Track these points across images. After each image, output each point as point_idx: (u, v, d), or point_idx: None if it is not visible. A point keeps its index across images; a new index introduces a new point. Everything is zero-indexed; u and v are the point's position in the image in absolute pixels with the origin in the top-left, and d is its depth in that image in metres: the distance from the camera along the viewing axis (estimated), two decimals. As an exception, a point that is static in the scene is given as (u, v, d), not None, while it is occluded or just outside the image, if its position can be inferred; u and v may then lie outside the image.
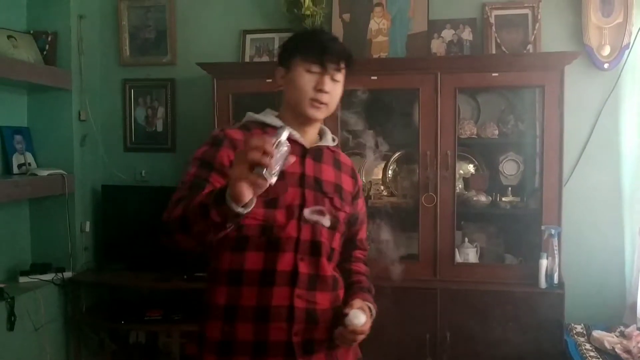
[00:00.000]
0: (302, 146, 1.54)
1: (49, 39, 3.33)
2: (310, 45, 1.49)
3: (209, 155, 1.47)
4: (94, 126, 3.55)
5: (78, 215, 3.45)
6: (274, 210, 1.44)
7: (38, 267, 3.27)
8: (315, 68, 1.47)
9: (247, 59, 3.39)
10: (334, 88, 1.50)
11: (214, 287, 1.49)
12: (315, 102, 1.48)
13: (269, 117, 1.56)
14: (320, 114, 1.51)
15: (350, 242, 1.67)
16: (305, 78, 1.48)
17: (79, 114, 3.44)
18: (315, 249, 1.48)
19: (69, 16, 3.37)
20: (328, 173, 1.56)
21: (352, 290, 1.58)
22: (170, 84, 3.57)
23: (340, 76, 1.52)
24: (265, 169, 1.07)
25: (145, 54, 3.62)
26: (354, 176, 1.67)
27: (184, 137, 3.57)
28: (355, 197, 1.65)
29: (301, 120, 1.53)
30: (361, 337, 1.45)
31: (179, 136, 3.59)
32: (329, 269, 1.53)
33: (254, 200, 1.15)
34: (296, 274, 1.45)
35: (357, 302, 1.48)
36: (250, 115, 1.61)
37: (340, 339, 1.45)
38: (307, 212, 1.47)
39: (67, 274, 3.30)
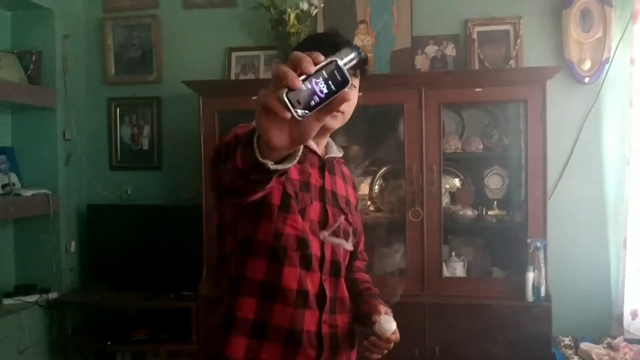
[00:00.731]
0: (320, 157, 1.46)
1: (34, 58, 3.32)
2: (323, 46, 1.33)
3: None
4: (79, 145, 3.54)
5: (63, 235, 3.42)
6: (304, 222, 1.35)
7: (22, 289, 3.23)
8: None
9: (232, 77, 3.40)
10: (351, 95, 1.34)
11: (239, 298, 1.34)
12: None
13: None
14: (337, 122, 1.44)
15: (351, 254, 1.61)
16: None
17: (64, 133, 3.42)
18: (335, 269, 1.42)
19: (54, 36, 3.36)
20: (340, 186, 1.51)
21: (363, 297, 1.52)
22: (156, 102, 3.57)
23: (356, 81, 1.45)
24: (287, 91, 0.72)
25: (130, 72, 3.62)
26: (355, 187, 1.63)
27: (170, 155, 3.57)
28: (356, 208, 1.61)
29: None
30: (392, 345, 1.39)
31: (165, 154, 3.59)
32: (345, 289, 1.48)
33: (292, 159, 0.85)
34: (324, 297, 1.38)
35: (382, 307, 1.42)
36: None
37: (372, 349, 1.38)
38: (325, 234, 1.39)
39: (52, 295, 3.26)
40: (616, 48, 3.01)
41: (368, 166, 3.27)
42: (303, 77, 0.73)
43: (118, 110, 3.64)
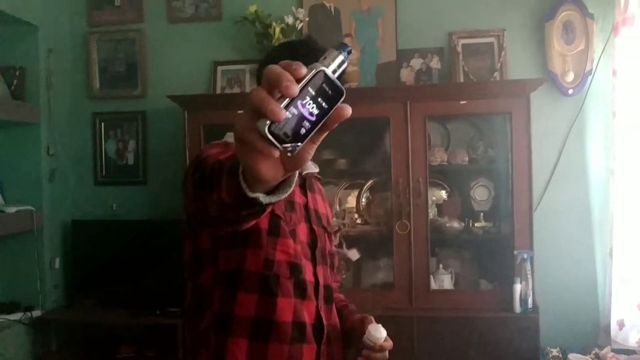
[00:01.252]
0: (299, 174, 1.35)
1: (17, 73, 3.29)
2: (302, 55, 1.20)
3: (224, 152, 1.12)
4: (63, 161, 3.50)
5: (47, 252, 3.37)
6: (295, 245, 1.24)
7: (5, 307, 3.18)
8: None
9: (218, 91, 3.40)
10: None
11: (228, 339, 1.21)
12: None
13: None
14: None
15: None
16: None
17: (48, 149, 3.39)
18: (328, 294, 1.32)
19: (38, 51, 3.34)
20: (320, 204, 1.41)
21: (343, 316, 1.42)
22: (141, 117, 3.55)
23: None
24: (268, 122, 0.59)
25: (115, 87, 3.60)
26: (330, 204, 1.54)
27: (156, 170, 3.54)
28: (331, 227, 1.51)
29: None
30: (387, 354, 1.31)
31: (150, 169, 3.56)
32: (337, 316, 1.37)
33: (288, 188, 0.72)
34: (321, 327, 1.27)
35: (367, 318, 1.35)
36: (231, 136, 1.33)
37: None
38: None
39: (36, 313, 3.21)
40: (598, 60, 3.04)
41: (355, 179, 3.27)
42: (286, 101, 0.60)
43: (103, 125, 3.62)
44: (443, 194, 3.19)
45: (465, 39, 3.21)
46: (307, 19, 3.26)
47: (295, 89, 0.59)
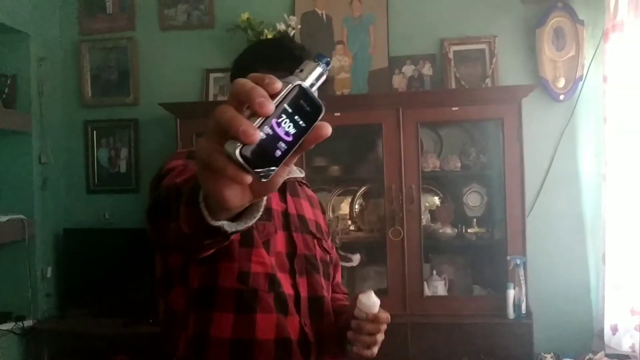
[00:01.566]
0: None
1: (8, 82, 3.28)
2: (277, 56, 1.17)
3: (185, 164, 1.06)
4: (55, 169, 3.49)
5: (39, 261, 3.35)
6: (270, 257, 1.14)
7: (-4, 317, 3.16)
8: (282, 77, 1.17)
9: (211, 98, 3.39)
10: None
11: None
12: None
13: None
14: None
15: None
16: None
17: (40, 157, 3.37)
18: (317, 307, 1.20)
19: (29, 59, 3.33)
20: (308, 210, 1.31)
21: (339, 313, 1.28)
22: (133, 125, 3.54)
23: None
24: (240, 145, 0.52)
25: (107, 94, 3.59)
26: (323, 211, 1.42)
27: (148, 178, 3.48)
28: (328, 234, 1.39)
29: None
30: (383, 327, 1.15)
31: (142, 177, 3.55)
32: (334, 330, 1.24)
33: (256, 213, 0.66)
34: (307, 344, 1.15)
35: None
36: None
37: (359, 338, 1.13)
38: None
39: (28, 323, 3.19)
40: (589, 66, 3.06)
41: (348, 186, 3.27)
42: (259, 120, 0.53)
43: (95, 133, 3.60)
44: (436, 200, 3.19)
45: (456, 46, 3.22)
46: (299, 26, 3.27)
47: (270, 105, 0.53)
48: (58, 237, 3.50)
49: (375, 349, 1.15)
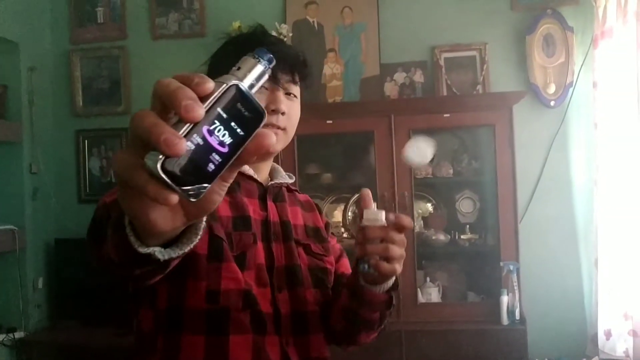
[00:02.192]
0: (259, 184, 1.13)
1: (-1, 91, 3.27)
2: (247, 52, 1.09)
3: None
4: (46, 179, 3.47)
5: (30, 272, 3.32)
6: (245, 272, 1.01)
7: (-13, 329, 3.13)
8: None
9: (202, 107, 3.38)
10: (291, 106, 1.11)
11: None
12: (269, 127, 1.06)
13: None
14: (279, 143, 1.10)
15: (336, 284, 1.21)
16: None
17: (30, 167, 3.35)
18: (301, 325, 1.08)
19: (19, 68, 3.32)
20: (295, 215, 1.18)
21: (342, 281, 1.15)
22: (125, 134, 3.53)
23: (296, 89, 1.14)
24: (162, 157, 0.44)
25: (99, 104, 3.58)
26: (319, 211, 1.30)
27: (140, 187, 3.51)
28: (327, 232, 1.27)
29: None
30: (400, 236, 0.97)
31: (135, 186, 3.53)
32: (326, 349, 1.12)
33: (194, 236, 0.58)
34: None
35: None
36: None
37: (368, 250, 0.97)
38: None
39: (19, 334, 3.16)
40: (579, 72, 3.08)
41: (340, 193, 3.27)
42: (186, 127, 0.45)
43: (86, 142, 3.59)
44: (429, 206, 3.20)
45: (447, 53, 3.23)
46: (290, 34, 3.27)
47: (200, 110, 0.44)
48: (49, 247, 3.47)
49: (398, 266, 0.96)
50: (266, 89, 1.08)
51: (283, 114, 1.08)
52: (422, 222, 3.13)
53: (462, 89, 3.18)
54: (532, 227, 3.06)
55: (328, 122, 2.90)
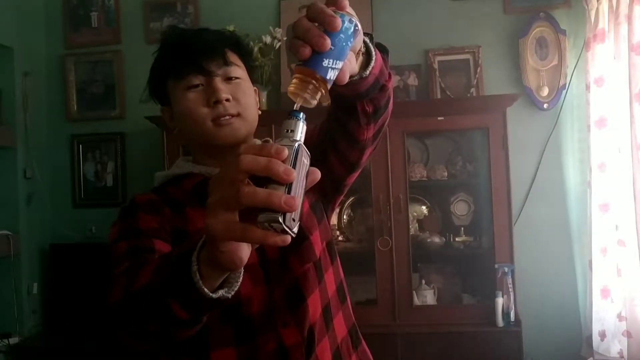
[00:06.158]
0: None
1: (-7, 96, 3.27)
2: (172, 57, 1.09)
3: (129, 227, 1.02)
4: (40, 184, 3.46)
5: (25, 277, 3.31)
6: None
7: (-18, 334, 3.12)
8: (194, 79, 1.06)
9: (197, 111, 3.38)
10: (236, 89, 1.07)
11: None
12: (220, 120, 1.05)
13: (183, 166, 1.15)
14: (235, 131, 1.06)
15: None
16: (191, 99, 1.06)
17: (25, 172, 3.35)
18: (295, 298, 1.06)
19: (13, 73, 3.31)
20: None
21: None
22: (120, 138, 3.53)
23: (235, 70, 1.09)
24: (281, 214, 0.56)
25: (93, 108, 3.57)
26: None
27: (135, 191, 3.47)
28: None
29: (218, 152, 1.08)
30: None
31: (129, 190, 3.53)
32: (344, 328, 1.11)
33: (241, 271, 0.68)
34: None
35: None
36: (159, 175, 1.18)
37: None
38: None
39: (14, 340, 3.14)
40: (572, 75, 3.10)
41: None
42: (286, 187, 0.57)
43: (81, 147, 3.58)
44: (423, 209, 3.20)
45: (441, 56, 3.25)
46: (284, 38, 3.28)
47: (294, 172, 0.57)
48: (44, 252, 3.46)
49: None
50: (202, 85, 1.07)
51: (228, 100, 1.05)
52: (417, 224, 3.14)
53: (456, 92, 3.19)
54: (527, 229, 3.07)
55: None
